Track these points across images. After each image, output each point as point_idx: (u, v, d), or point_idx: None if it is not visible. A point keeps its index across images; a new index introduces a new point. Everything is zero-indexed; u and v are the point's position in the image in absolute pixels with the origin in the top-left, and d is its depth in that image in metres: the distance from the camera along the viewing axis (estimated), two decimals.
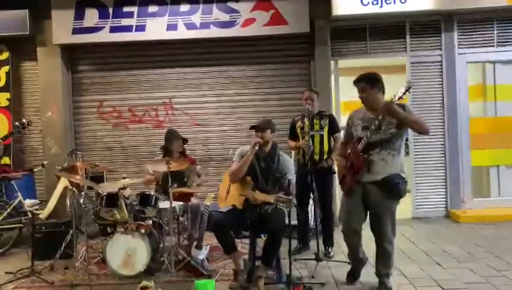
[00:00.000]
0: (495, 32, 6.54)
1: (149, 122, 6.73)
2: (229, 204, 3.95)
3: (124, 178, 4.63)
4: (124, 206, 4.30)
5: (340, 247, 4.84)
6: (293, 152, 5.18)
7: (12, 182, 5.50)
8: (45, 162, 5.72)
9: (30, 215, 4.97)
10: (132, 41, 6.47)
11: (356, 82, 3.64)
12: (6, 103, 6.56)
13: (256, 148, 3.82)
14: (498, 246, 4.97)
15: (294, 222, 4.56)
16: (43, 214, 5.45)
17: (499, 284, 3.79)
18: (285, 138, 5.13)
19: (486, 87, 6.83)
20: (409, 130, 3.83)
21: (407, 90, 3.40)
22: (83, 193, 4.49)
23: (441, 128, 6.56)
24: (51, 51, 6.49)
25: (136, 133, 6.73)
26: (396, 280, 3.88)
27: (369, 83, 3.57)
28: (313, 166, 4.66)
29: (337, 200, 6.00)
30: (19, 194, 5.41)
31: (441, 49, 6.56)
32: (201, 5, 6.34)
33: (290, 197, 3.63)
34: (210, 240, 4.45)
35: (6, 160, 6.33)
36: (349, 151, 3.69)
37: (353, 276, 3.93)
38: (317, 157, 4.78)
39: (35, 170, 5.82)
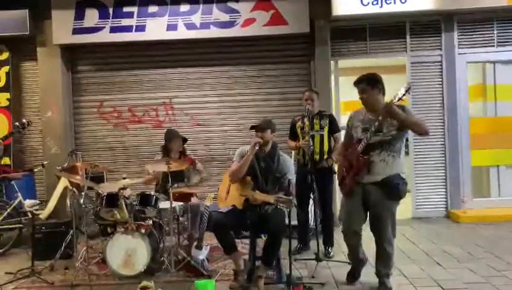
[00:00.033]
0: (495, 32, 6.54)
1: (149, 122, 6.73)
2: (229, 204, 3.95)
3: (124, 178, 4.62)
4: (124, 206, 4.30)
5: (340, 247, 4.84)
6: (293, 152, 5.18)
7: (13, 182, 5.50)
8: (45, 162, 5.72)
9: (30, 215, 4.98)
10: (132, 42, 6.47)
11: (356, 83, 3.64)
12: (6, 103, 6.56)
13: (256, 148, 3.81)
14: (498, 246, 4.97)
15: (294, 222, 4.55)
16: (43, 214, 5.46)
17: (499, 284, 3.79)
18: (285, 138, 5.12)
19: (486, 87, 6.83)
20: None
21: (407, 91, 3.40)
22: (83, 193, 4.48)
23: (441, 129, 6.56)
24: (51, 51, 6.49)
25: (136, 133, 6.73)
26: (396, 280, 3.88)
27: (369, 84, 3.56)
28: (313, 166, 4.66)
29: (337, 200, 6.01)
30: (19, 194, 5.40)
31: (441, 49, 6.56)
32: (201, 5, 6.34)
33: (290, 197, 3.63)
34: (210, 240, 4.44)
35: (6, 160, 6.33)
36: (349, 152, 3.69)
37: (353, 276, 3.93)
38: (317, 157, 4.78)
39: (35, 170, 5.81)
